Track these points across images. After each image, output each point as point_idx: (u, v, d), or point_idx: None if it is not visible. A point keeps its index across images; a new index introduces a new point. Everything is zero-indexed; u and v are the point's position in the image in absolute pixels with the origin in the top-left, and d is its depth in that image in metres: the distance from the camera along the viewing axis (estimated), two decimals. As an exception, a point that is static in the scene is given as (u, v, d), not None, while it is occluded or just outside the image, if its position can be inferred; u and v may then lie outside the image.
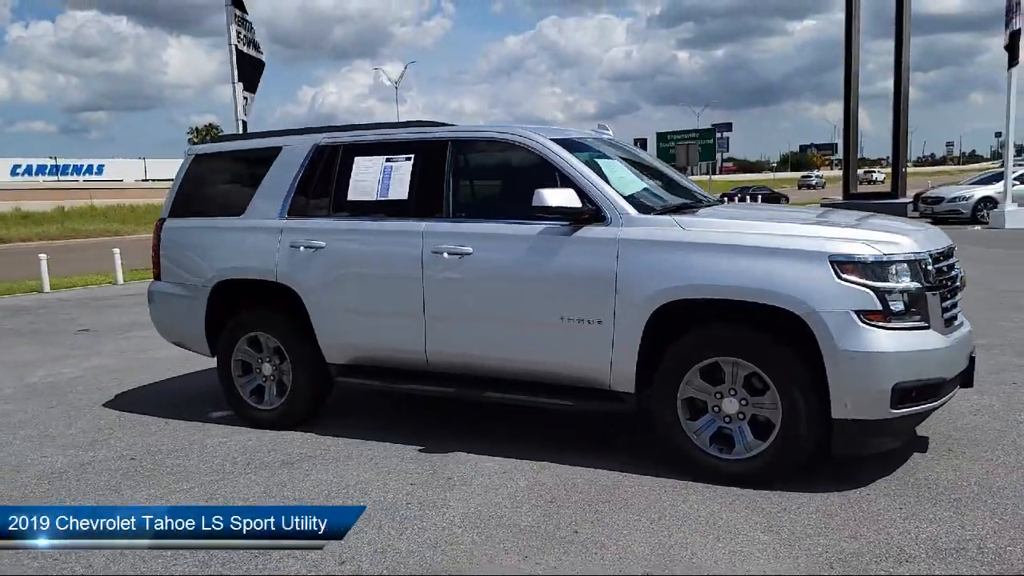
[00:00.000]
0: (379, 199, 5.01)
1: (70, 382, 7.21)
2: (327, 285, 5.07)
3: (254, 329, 5.43)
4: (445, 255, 4.68)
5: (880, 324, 3.81)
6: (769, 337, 4.01)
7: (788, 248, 3.97)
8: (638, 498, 4.02)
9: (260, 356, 5.47)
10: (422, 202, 4.88)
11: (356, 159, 5.13)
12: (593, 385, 4.48)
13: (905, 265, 3.89)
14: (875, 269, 3.84)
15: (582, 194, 4.39)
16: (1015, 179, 21.58)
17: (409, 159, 4.96)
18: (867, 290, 3.81)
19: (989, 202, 22.47)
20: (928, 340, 3.90)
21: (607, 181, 4.54)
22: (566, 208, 4.33)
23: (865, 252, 3.87)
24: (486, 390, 4.75)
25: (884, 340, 3.80)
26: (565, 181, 4.51)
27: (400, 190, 4.95)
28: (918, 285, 3.90)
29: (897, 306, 3.85)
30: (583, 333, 4.36)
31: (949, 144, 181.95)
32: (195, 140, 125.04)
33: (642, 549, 3.48)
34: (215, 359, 5.69)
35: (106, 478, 4.64)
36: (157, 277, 5.87)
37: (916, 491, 3.98)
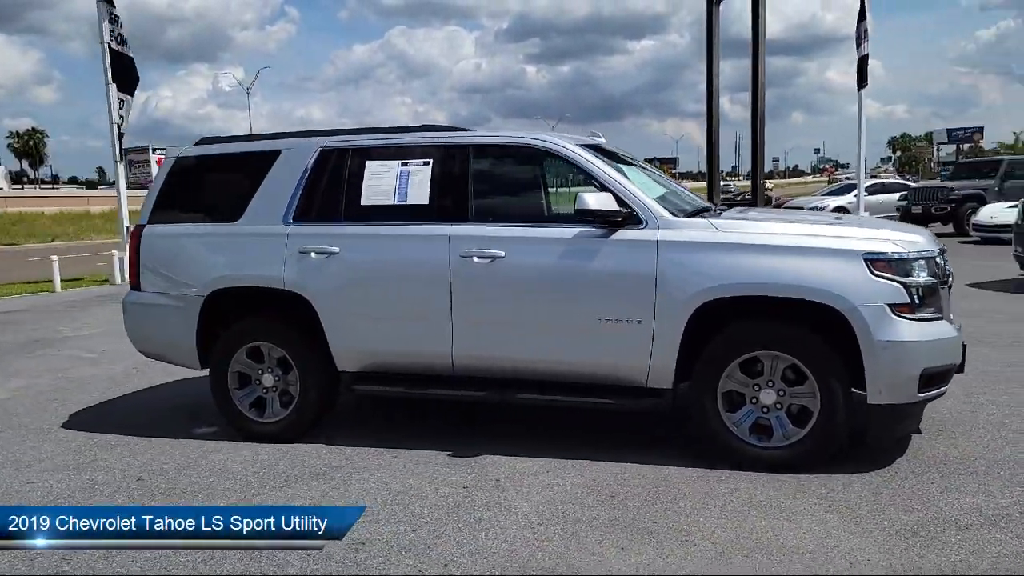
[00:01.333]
0: (397, 204, 4.95)
1: (1, 404, 6.63)
2: (342, 291, 4.96)
3: (255, 339, 5.23)
4: (475, 259, 4.70)
5: (908, 316, 4.17)
6: (807, 331, 4.28)
7: (824, 247, 4.27)
8: (693, 489, 4.18)
9: (260, 367, 5.26)
10: (445, 207, 4.87)
11: (368, 163, 5.05)
12: (627, 383, 4.62)
13: (923, 261, 4.28)
14: (901, 265, 4.20)
15: (617, 198, 4.54)
16: (866, 189, 23.50)
17: (427, 163, 4.94)
18: (897, 284, 4.16)
19: (843, 211, 24.37)
20: (943, 329, 4.29)
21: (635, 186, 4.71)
22: (606, 212, 4.47)
23: (893, 250, 4.23)
24: (518, 392, 4.79)
25: (913, 330, 4.16)
26: (599, 186, 4.64)
27: (420, 194, 4.92)
28: (933, 280, 4.29)
29: (919, 299, 4.22)
30: (622, 332, 4.49)
31: (775, 159, 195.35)
32: (16, 145, 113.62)
33: (727, 534, 3.65)
34: (198, 371, 5.45)
35: (125, 500, 4.34)
36: (135, 287, 5.52)
37: (936, 468, 4.35)
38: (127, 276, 5.65)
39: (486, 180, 5.02)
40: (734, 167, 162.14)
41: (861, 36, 20.83)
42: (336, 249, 4.96)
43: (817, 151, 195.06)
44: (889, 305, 4.14)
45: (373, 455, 4.87)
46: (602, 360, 4.61)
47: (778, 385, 4.38)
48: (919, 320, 4.20)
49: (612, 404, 4.64)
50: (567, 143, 4.84)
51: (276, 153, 5.27)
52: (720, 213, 4.97)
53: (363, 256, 4.95)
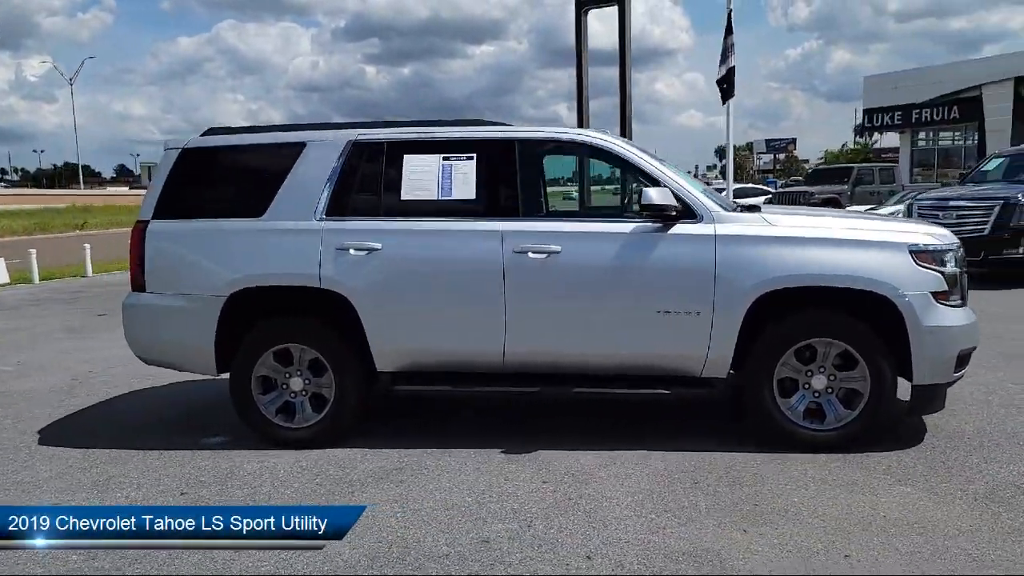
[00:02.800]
0: (441, 199, 4.86)
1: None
2: (386, 289, 4.80)
3: (285, 340, 4.96)
4: (530, 254, 4.68)
5: (945, 303, 4.54)
6: (857, 319, 4.57)
7: (873, 240, 4.58)
8: (765, 472, 4.36)
9: (288, 370, 5.00)
10: (494, 202, 4.83)
11: (406, 157, 4.92)
12: (681, 373, 4.76)
13: (951, 253, 4.67)
14: (939, 256, 4.57)
15: (673, 194, 4.66)
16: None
17: (471, 158, 4.87)
18: (937, 273, 4.52)
19: (755, 210, 25.74)
20: (969, 315, 4.70)
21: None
22: (668, 206, 4.58)
23: (932, 242, 4.60)
24: (575, 386, 4.81)
25: (951, 315, 4.53)
26: (651, 182, 4.74)
27: (466, 190, 4.84)
28: (958, 269, 4.69)
29: (953, 286, 4.60)
30: (680, 324, 4.62)
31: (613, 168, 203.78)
32: None
33: (829, 511, 3.85)
34: (207, 376, 5.15)
35: (186, 516, 4.01)
36: (139, 288, 5.10)
37: (964, 442, 4.75)
38: (129, 276, 5.19)
39: (534, 175, 5.01)
40: (574, 172, 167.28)
41: (728, 51, 22.09)
42: (378, 246, 4.79)
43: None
44: (932, 293, 4.50)
45: (424, 456, 4.74)
46: (658, 351, 4.72)
47: (829, 371, 4.64)
48: (953, 306, 4.58)
49: (669, 394, 4.75)
50: (616, 139, 4.91)
51: (300, 146, 5.03)
52: (759, 210, 5.18)
53: (409, 253, 4.82)
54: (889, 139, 53.18)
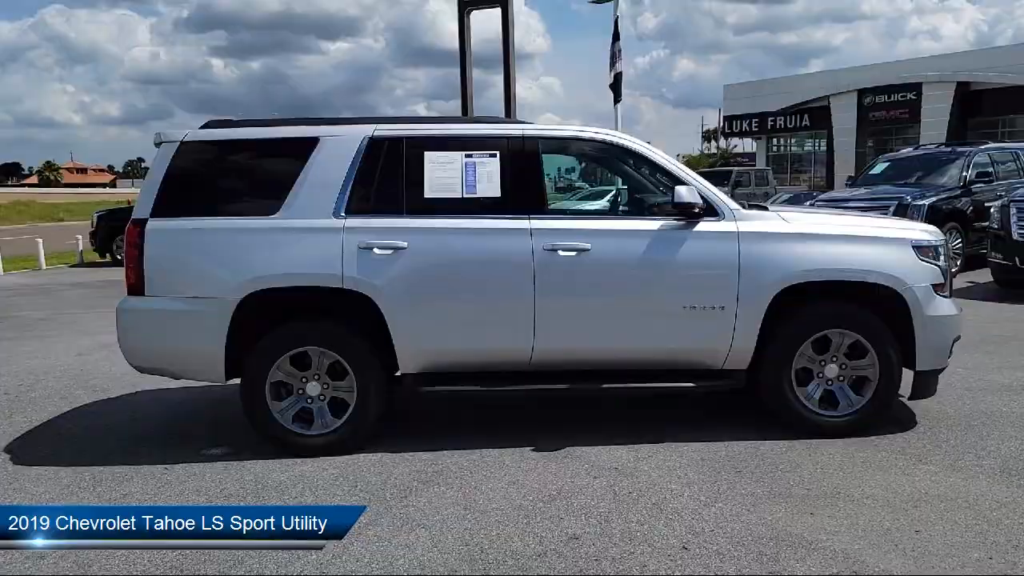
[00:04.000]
0: (466, 196, 4.80)
1: None
2: (413, 288, 4.69)
3: (303, 344, 4.75)
4: (560, 252, 4.70)
5: (940, 294, 4.91)
6: (869, 310, 4.86)
7: (881, 236, 4.89)
8: (797, 457, 4.57)
9: (304, 375, 4.80)
10: (520, 199, 4.81)
11: (427, 154, 4.83)
12: (703, 366, 4.91)
13: (941, 248, 5.05)
14: (934, 251, 4.94)
15: (697, 192, 4.80)
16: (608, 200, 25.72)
17: (494, 155, 4.84)
18: (935, 267, 4.89)
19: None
20: (956, 305, 5.09)
21: (700, 181, 5.01)
22: (696, 204, 4.72)
23: (929, 238, 4.97)
24: (600, 382, 4.87)
25: (946, 306, 4.91)
26: (674, 180, 4.86)
27: (491, 187, 4.81)
28: (947, 264, 5.08)
29: (944, 279, 4.98)
30: (705, 319, 4.77)
31: None
32: None
33: (875, 491, 4.08)
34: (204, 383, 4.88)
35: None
36: (137, 291, 4.74)
37: (953, 423, 5.12)
38: (125, 278, 4.82)
39: (563, 172, 5.02)
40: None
41: (615, 56, 22.73)
42: (404, 244, 4.68)
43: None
44: (932, 285, 4.85)
45: (456, 457, 4.67)
46: (683, 346, 4.85)
47: (840, 360, 4.91)
48: (946, 297, 4.96)
49: (694, 387, 4.89)
50: (638, 140, 5.01)
51: (313, 141, 4.83)
52: (767, 208, 5.41)
53: (436, 251, 4.73)
54: (744, 144, 56.46)
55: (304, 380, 4.80)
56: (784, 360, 4.84)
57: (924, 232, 5.03)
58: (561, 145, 5.10)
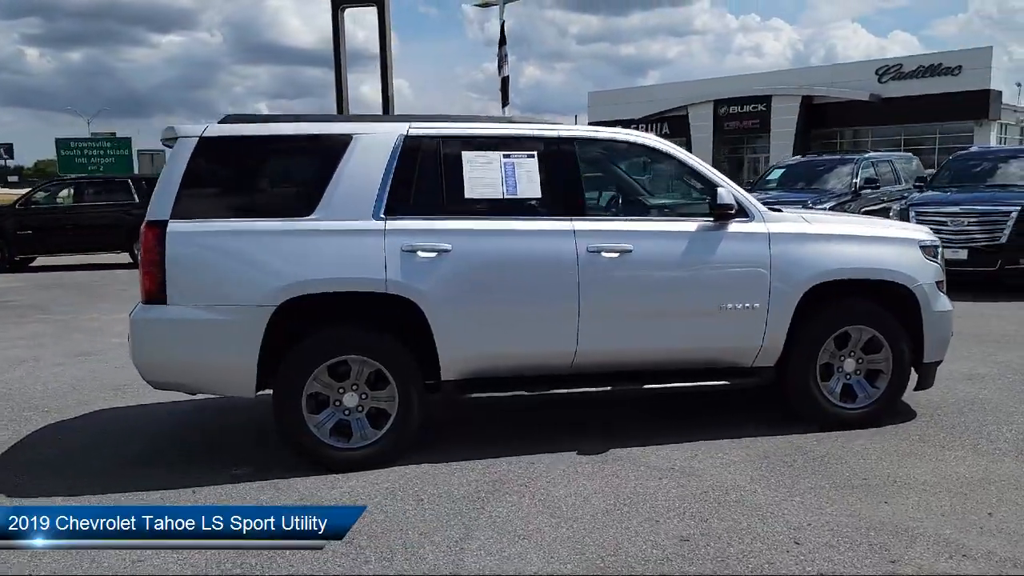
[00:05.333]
0: (507, 197, 4.70)
1: None
2: (458, 292, 4.54)
3: (343, 352, 4.49)
4: (604, 254, 4.69)
5: (941, 291, 5.26)
6: (883, 306, 5.13)
7: (894, 236, 5.19)
8: (833, 449, 4.74)
9: (342, 385, 4.54)
10: (561, 200, 4.76)
11: (464, 154, 4.70)
12: (735, 365, 5.03)
13: (939, 248, 5.40)
14: (935, 250, 5.28)
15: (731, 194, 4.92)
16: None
17: (532, 156, 4.77)
18: (937, 265, 5.23)
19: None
20: (949, 301, 5.46)
21: (725, 183, 5.13)
22: (734, 205, 4.83)
23: (931, 239, 5.31)
24: (642, 383, 4.88)
25: (947, 302, 5.26)
26: (708, 183, 4.95)
27: (531, 188, 4.73)
28: (943, 263, 5.44)
29: (943, 277, 5.34)
30: (739, 318, 4.89)
31: None
32: None
33: (927, 476, 4.32)
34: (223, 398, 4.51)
35: (320, 557, 3.54)
36: (156, 300, 4.33)
37: (951, 411, 5.46)
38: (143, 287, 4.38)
39: (595, 174, 5.01)
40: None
41: (502, 60, 22.94)
42: (448, 246, 4.52)
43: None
44: (936, 282, 5.19)
45: (508, 464, 4.55)
46: (718, 345, 4.94)
47: (857, 354, 5.15)
48: (944, 294, 5.31)
49: (728, 385, 4.99)
50: (669, 143, 5.07)
51: (346, 138, 4.59)
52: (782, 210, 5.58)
53: (481, 253, 4.59)
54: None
55: (341, 391, 4.54)
56: (810, 356, 5.03)
57: (926, 233, 5.38)
58: (597, 147, 5.09)
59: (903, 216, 11.04)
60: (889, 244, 5.14)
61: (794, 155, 33.94)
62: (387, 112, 27.94)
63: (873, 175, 13.85)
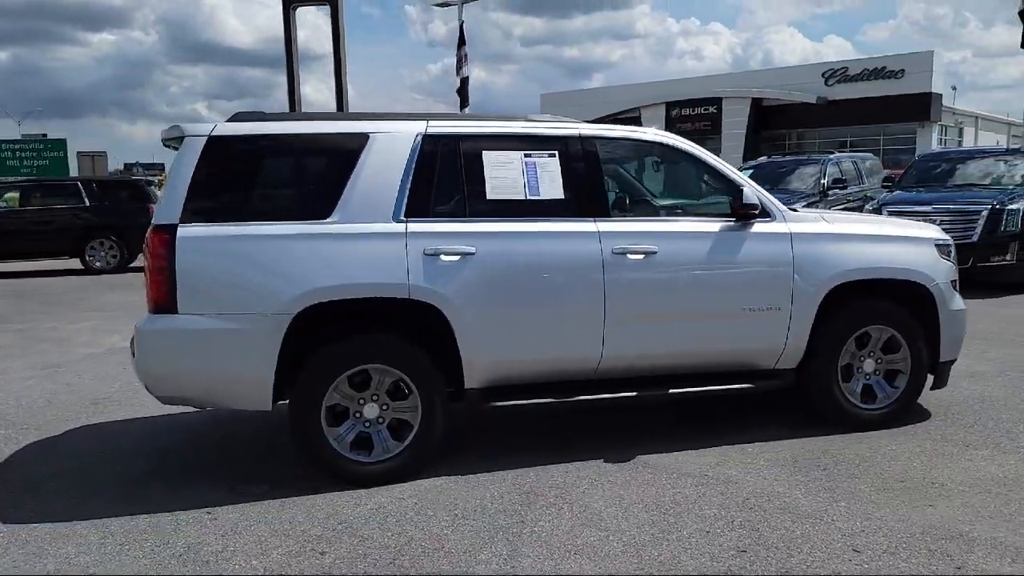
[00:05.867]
0: (529, 198, 4.54)
1: None
2: (482, 297, 4.36)
3: (364, 361, 4.27)
4: (629, 256, 4.57)
5: (956, 290, 5.25)
6: (901, 306, 5.10)
7: (911, 236, 5.16)
8: (860, 450, 4.69)
9: (362, 396, 4.33)
10: (584, 201, 4.62)
11: (484, 153, 4.53)
12: (757, 367, 4.94)
13: (951, 247, 5.39)
14: (948, 249, 5.28)
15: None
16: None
17: (553, 155, 4.63)
18: (951, 264, 5.23)
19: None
20: (963, 300, 5.46)
21: (744, 183, 5.05)
22: (758, 205, 4.75)
23: (945, 238, 5.30)
24: (667, 388, 4.77)
25: (961, 301, 5.26)
26: (728, 182, 4.86)
27: (553, 188, 4.58)
28: (956, 263, 5.44)
29: (957, 276, 5.34)
30: (762, 319, 4.81)
31: None
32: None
33: (962, 476, 4.28)
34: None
35: (368, 567, 3.34)
36: (166, 309, 4.07)
37: (963, 410, 5.47)
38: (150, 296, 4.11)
39: (615, 174, 4.88)
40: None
41: (461, 61, 22.73)
42: (472, 249, 4.35)
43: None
44: (951, 282, 5.18)
45: (537, 474, 4.39)
46: (742, 347, 4.86)
47: (876, 354, 5.11)
48: (958, 292, 5.31)
49: (753, 388, 4.90)
50: (690, 142, 4.97)
51: (363, 137, 4.38)
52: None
53: (506, 256, 4.42)
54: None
55: (361, 402, 4.33)
56: (832, 357, 4.97)
57: (940, 232, 5.37)
58: (617, 146, 4.95)
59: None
60: (907, 243, 5.12)
61: (744, 156, 34.60)
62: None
63: (840, 175, 14.02)
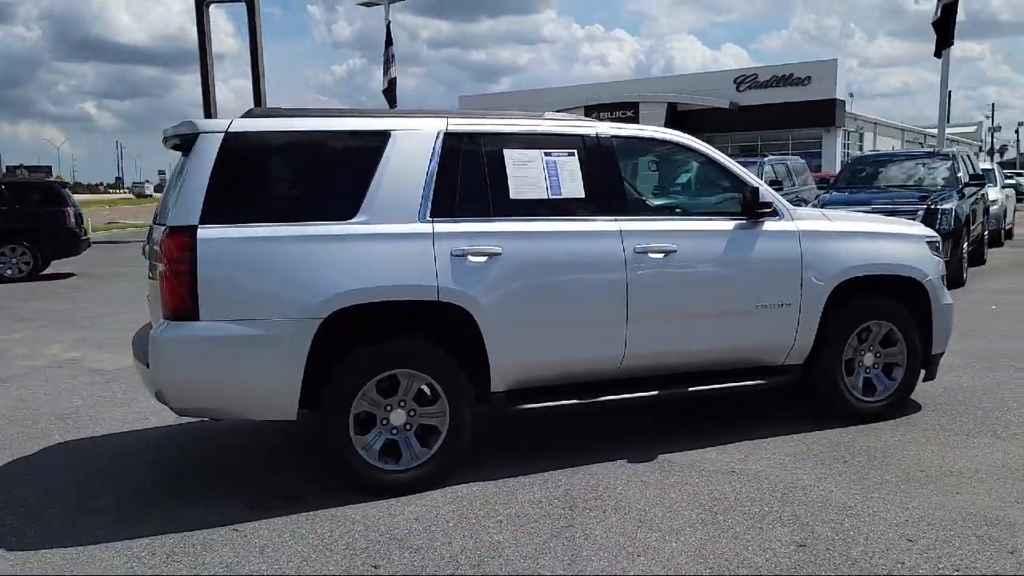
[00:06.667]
0: (551, 197, 4.49)
1: None
2: (510, 298, 4.28)
3: (393, 366, 4.13)
4: (650, 254, 4.57)
5: (944, 284, 5.46)
6: (896, 301, 5.26)
7: (906, 233, 5.34)
8: (868, 442, 4.80)
9: (389, 402, 4.19)
10: (602, 200, 4.59)
11: (506, 151, 4.45)
12: (766, 364, 5.02)
13: (939, 243, 5.59)
14: (937, 245, 5.48)
15: (760, 192, 4.91)
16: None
17: (572, 154, 4.58)
18: (940, 260, 5.43)
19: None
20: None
21: (750, 181, 5.12)
22: (772, 203, 4.83)
23: (934, 235, 5.50)
24: (687, 386, 4.78)
25: (948, 295, 5.47)
26: (738, 181, 4.92)
27: (575, 187, 4.54)
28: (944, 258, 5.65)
29: (944, 271, 5.54)
30: (774, 316, 4.88)
31: (161, 172, 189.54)
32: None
33: (974, 464, 4.43)
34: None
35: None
36: (186, 315, 3.82)
37: (950, 399, 5.67)
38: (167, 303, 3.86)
39: (632, 172, 4.87)
40: (118, 178, 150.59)
41: (389, 61, 22.46)
42: (499, 249, 4.26)
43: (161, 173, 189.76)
44: (940, 276, 5.38)
45: (568, 477, 4.33)
46: (755, 344, 4.92)
47: (875, 348, 5.26)
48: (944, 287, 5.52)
49: (765, 384, 4.97)
50: (698, 141, 5.00)
51: (384, 135, 4.24)
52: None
53: (532, 256, 4.35)
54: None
55: (388, 408, 4.18)
56: (837, 352, 5.08)
57: (929, 230, 5.57)
58: (632, 144, 4.93)
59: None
60: (903, 240, 5.29)
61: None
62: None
63: (775, 176, 14.45)
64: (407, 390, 4.19)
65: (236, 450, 5.05)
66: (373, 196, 4.13)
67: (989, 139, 79.86)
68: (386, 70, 22.53)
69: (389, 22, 22.57)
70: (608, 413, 5.37)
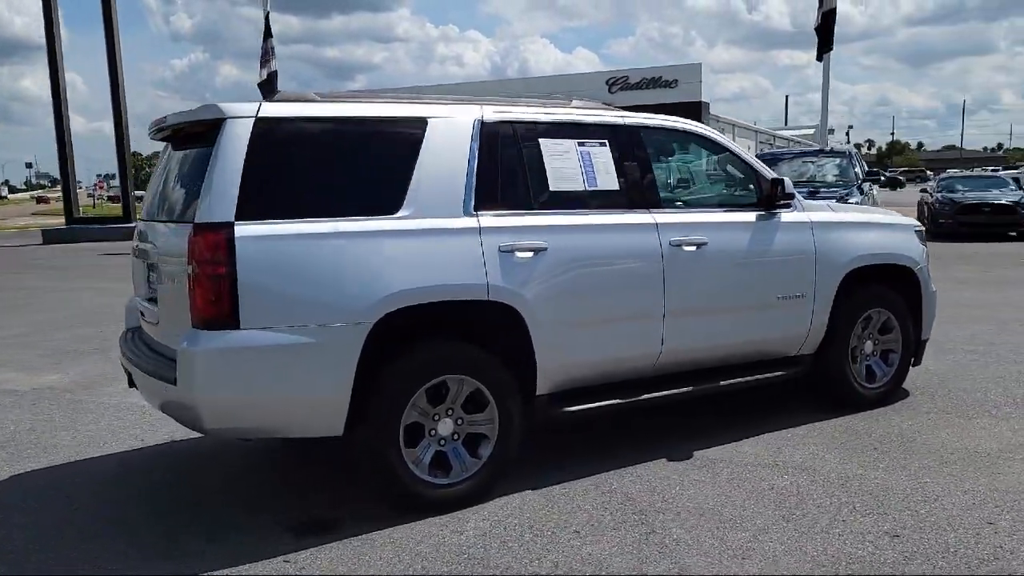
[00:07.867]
0: (588, 189, 4.31)
1: None
2: (556, 296, 4.06)
3: (443, 372, 3.82)
4: (685, 247, 4.47)
5: (930, 273, 5.66)
6: (893, 290, 5.39)
7: (899, 223, 5.49)
8: (881, 428, 4.90)
9: (437, 411, 3.88)
10: (635, 192, 4.45)
11: (542, 141, 4.24)
12: (781, 355, 5.03)
13: (923, 232, 5.78)
14: (923, 235, 5.67)
15: (776, 183, 4.92)
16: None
17: (604, 144, 4.42)
18: (926, 249, 5.62)
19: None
20: (931, 282, 5.87)
21: (761, 173, 5.11)
22: (794, 194, 4.85)
23: (920, 225, 5.68)
24: (718, 380, 4.71)
25: (933, 283, 5.67)
26: (756, 173, 4.90)
27: (608, 179, 4.38)
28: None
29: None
30: (791, 307, 4.90)
31: (29, 164, 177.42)
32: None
33: (993, 447, 4.57)
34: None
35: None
36: (224, 324, 3.38)
37: (937, 382, 5.89)
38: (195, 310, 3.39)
39: (660, 164, 4.75)
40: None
41: (267, 53, 21.44)
42: (544, 244, 4.04)
43: (30, 165, 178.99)
44: (927, 265, 5.57)
45: (616, 479, 4.16)
46: (773, 335, 4.91)
47: (875, 336, 5.37)
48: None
49: (783, 375, 4.97)
50: (716, 132, 4.95)
51: (421, 122, 3.94)
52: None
53: (575, 251, 4.14)
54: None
55: (436, 418, 3.87)
56: (845, 340, 5.16)
57: (916, 221, 5.75)
58: (656, 135, 4.78)
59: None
60: (899, 230, 5.43)
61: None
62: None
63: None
64: (455, 397, 3.89)
65: (235, 470, 4.59)
66: (417, 188, 3.81)
67: (827, 140, 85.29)
68: (264, 62, 21.45)
69: (268, 12, 21.56)
70: (619, 414, 5.22)
